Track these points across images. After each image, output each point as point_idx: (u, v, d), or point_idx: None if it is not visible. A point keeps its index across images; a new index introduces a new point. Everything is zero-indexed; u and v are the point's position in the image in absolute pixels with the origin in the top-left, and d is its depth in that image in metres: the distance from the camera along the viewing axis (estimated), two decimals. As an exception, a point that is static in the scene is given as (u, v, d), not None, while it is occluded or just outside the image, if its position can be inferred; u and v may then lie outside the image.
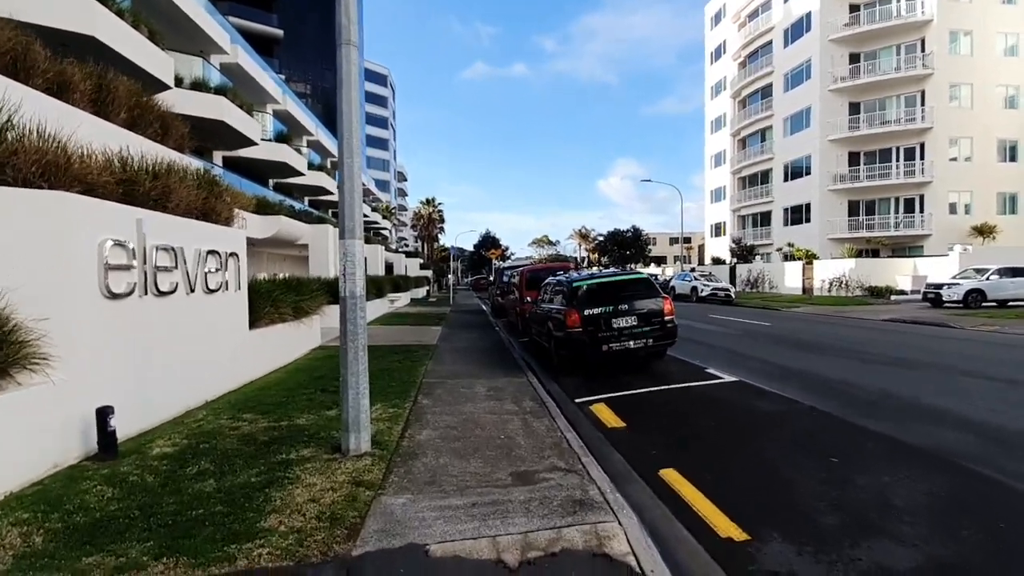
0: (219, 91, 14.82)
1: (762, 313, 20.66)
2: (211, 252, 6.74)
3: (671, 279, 33.36)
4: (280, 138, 19.74)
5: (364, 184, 45.99)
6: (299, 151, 24.11)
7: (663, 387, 7.72)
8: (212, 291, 6.81)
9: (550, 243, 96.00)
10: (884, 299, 25.42)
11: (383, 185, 66.82)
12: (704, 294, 27.57)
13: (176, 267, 5.93)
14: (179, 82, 13.79)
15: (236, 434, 5.21)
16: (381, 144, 71.98)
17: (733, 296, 27.61)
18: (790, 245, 34.57)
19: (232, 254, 7.36)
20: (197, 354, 6.44)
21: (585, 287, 8.95)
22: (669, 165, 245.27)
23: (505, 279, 20.15)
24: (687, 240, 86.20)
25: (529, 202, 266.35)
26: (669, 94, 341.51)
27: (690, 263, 40.73)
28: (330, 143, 34.25)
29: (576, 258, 74.10)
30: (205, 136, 16.14)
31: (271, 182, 23.71)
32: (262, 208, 15.28)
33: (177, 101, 12.59)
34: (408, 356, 10.38)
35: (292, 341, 9.91)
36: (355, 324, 4.55)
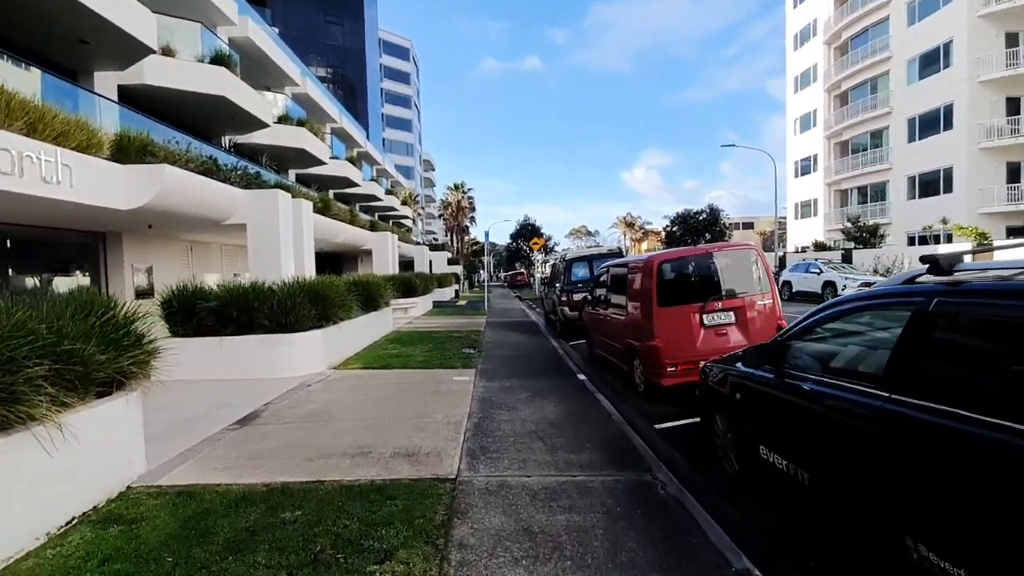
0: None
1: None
2: None
3: (777, 271, 24.82)
4: (217, 60, 12.48)
5: (379, 161, 38.94)
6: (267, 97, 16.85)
7: None
8: None
9: (588, 233, 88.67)
10: None
11: (406, 171, 59.67)
12: (847, 295, 18.94)
13: None
14: None
15: None
16: (403, 125, 64.43)
17: (887, 294, 19.07)
18: (944, 222, 25.67)
19: None
20: None
21: None
22: (697, 153, 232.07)
23: (577, 277, 12.09)
24: (750, 226, 76.37)
25: (560, 195, 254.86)
26: (692, 82, 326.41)
27: (773, 251, 32.17)
28: (329, 105, 27.09)
29: (621, 248, 65.42)
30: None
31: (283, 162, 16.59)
32: (130, 151, 7.97)
33: None
34: None
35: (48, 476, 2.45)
36: None
